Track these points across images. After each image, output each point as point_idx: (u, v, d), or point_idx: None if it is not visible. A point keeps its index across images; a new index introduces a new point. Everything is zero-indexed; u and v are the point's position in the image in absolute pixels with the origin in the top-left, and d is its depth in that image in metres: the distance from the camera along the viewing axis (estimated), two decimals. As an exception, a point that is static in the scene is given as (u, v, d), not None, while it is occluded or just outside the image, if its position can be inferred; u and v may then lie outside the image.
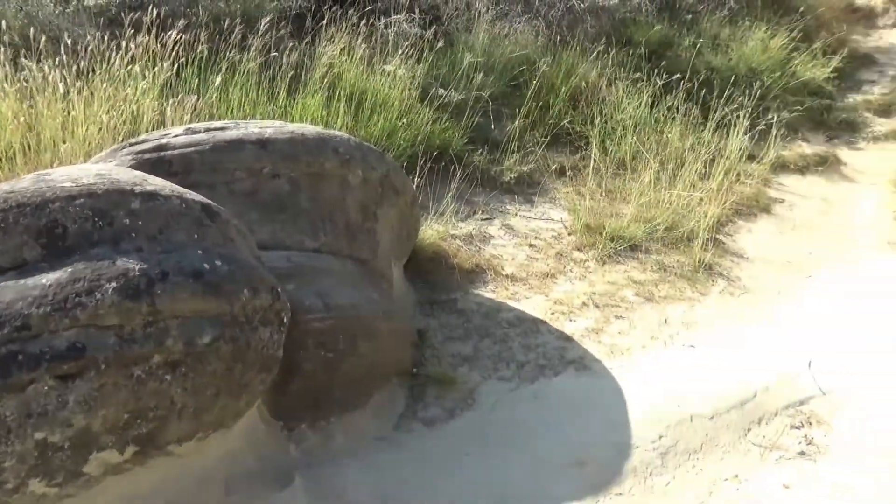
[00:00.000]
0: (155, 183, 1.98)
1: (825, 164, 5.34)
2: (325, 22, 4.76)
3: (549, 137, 4.95)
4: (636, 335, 3.41)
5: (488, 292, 3.63)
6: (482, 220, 4.25)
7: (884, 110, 6.10)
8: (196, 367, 1.84)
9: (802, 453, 2.80)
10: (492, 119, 4.92)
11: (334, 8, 4.96)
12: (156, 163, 2.34)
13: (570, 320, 3.44)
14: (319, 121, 4.15)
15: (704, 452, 2.77)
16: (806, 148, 5.54)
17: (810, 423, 2.95)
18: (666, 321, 3.53)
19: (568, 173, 4.82)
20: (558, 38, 5.77)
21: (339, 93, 4.27)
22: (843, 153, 5.59)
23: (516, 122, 4.88)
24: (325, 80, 4.31)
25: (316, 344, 2.36)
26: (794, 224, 4.65)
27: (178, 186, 2.07)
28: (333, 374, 2.45)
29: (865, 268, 4.09)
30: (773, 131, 5.11)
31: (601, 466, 2.65)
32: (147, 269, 1.75)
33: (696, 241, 4.04)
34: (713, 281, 3.91)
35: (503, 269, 3.82)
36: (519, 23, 5.89)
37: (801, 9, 6.61)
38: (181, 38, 3.81)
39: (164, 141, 2.43)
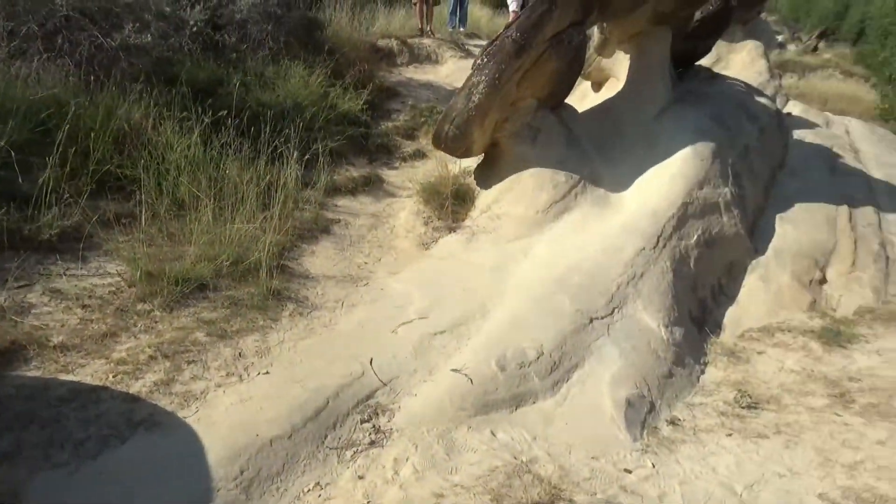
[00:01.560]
0: None
1: (370, 184, 6.09)
2: None
3: (94, 185, 4.54)
4: (211, 376, 3.35)
5: (32, 370, 3.13)
6: (17, 288, 3.64)
7: (409, 134, 7.25)
8: None
9: (372, 442, 3.13)
10: (17, 171, 4.26)
11: None
12: None
13: (137, 378, 3.19)
14: None
15: (287, 472, 2.87)
16: (353, 171, 6.23)
17: (377, 414, 3.32)
18: (241, 354, 3.55)
19: (123, 221, 4.47)
20: (93, 78, 5.32)
21: None
22: (384, 173, 6.46)
23: (48, 172, 4.33)
24: None
25: None
26: (351, 240, 5.18)
27: None
28: None
29: (405, 267, 4.80)
30: (322, 159, 5.63)
31: (181, 524, 2.53)
32: None
33: (262, 270, 4.17)
34: (283, 305, 4.09)
35: (50, 340, 3.34)
36: (40, 62, 5.25)
37: (328, 47, 7.39)
38: None
39: None
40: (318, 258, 4.81)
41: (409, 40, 9.79)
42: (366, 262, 4.91)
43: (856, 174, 8.32)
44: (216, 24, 7.12)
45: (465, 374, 3.53)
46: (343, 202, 5.73)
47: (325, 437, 3.10)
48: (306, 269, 4.61)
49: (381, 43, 9.33)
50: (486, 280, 4.52)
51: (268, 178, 5.03)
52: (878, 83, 19.51)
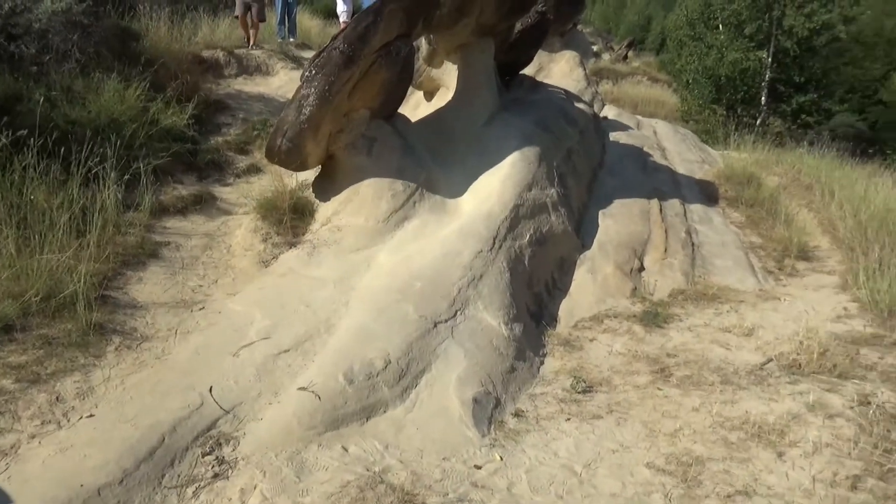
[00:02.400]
0: None
1: (202, 202, 5.78)
2: None
3: None
4: (23, 427, 3.00)
5: None
6: None
7: (241, 148, 6.97)
8: None
9: (216, 475, 2.97)
10: None
11: None
12: None
13: (-73, 440, 2.79)
14: None
15: (118, 521, 2.65)
16: (182, 190, 5.88)
17: (220, 444, 3.15)
18: (58, 399, 3.22)
19: None
20: None
21: None
22: (217, 190, 6.16)
23: None
24: None
25: None
26: (183, 263, 4.88)
27: None
28: None
29: (245, 287, 4.61)
30: (145, 178, 5.25)
31: None
32: None
33: (79, 303, 3.81)
34: (107, 340, 3.77)
35: None
36: None
37: (145, 59, 6.90)
38: None
39: None
40: (147, 285, 4.48)
41: (237, 51, 9.40)
42: (201, 285, 4.66)
43: (663, 170, 9.26)
44: (10, 34, 6.40)
45: (313, 392, 3.46)
46: (172, 223, 5.39)
47: (163, 476, 2.89)
48: (133, 298, 4.28)
49: (206, 54, 8.87)
50: (329, 294, 4.47)
51: (82, 202, 4.61)
52: (678, 88, 21.87)
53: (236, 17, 10.06)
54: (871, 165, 11.29)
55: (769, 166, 10.13)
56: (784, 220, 7.70)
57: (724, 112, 18.58)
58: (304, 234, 5.32)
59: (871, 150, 16.30)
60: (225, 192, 6.16)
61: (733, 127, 14.16)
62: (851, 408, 3.64)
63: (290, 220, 5.31)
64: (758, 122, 18.62)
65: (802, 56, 18.90)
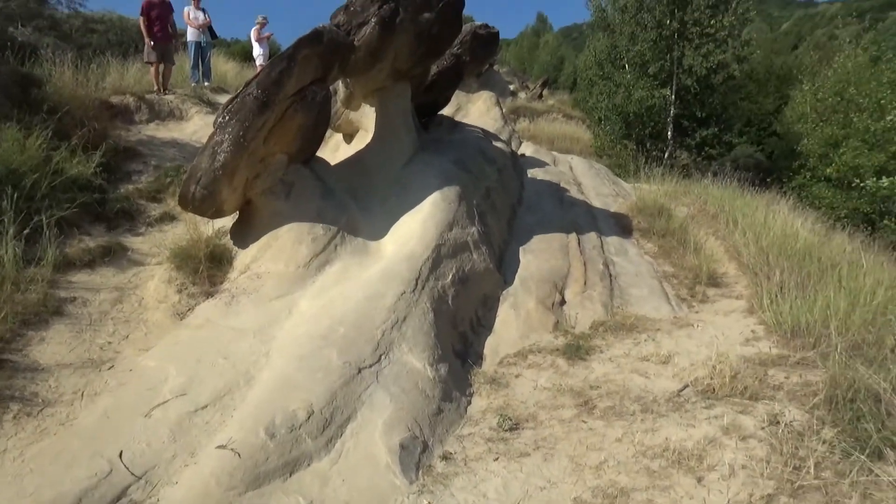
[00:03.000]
0: None
1: (111, 254, 5.52)
2: None
3: None
4: None
5: None
6: None
7: (154, 196, 6.73)
8: None
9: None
10: None
11: None
12: None
13: None
14: None
15: None
16: (89, 242, 5.60)
17: (130, 515, 2.97)
18: (-54, 477, 2.96)
19: None
20: None
21: None
22: (128, 240, 5.91)
23: None
24: None
25: None
26: (91, 319, 4.63)
27: None
28: None
29: (158, 342, 4.42)
30: (48, 231, 4.99)
31: None
32: None
33: (-29, 370, 3.55)
34: (5, 407, 3.51)
35: None
36: None
37: (48, 106, 6.61)
38: None
39: None
40: (50, 345, 4.22)
41: (148, 96, 9.15)
42: (110, 342, 4.42)
43: (580, 204, 9.58)
44: None
45: (232, 449, 3.33)
46: (79, 277, 5.11)
47: (66, 554, 2.69)
48: (34, 360, 4.01)
49: (115, 99, 8.59)
50: (249, 344, 4.33)
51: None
52: (591, 125, 22.82)
53: (148, 62, 9.75)
54: (769, 193, 12.04)
55: (678, 197, 10.66)
56: (693, 248, 8.08)
57: (635, 147, 19.50)
58: (221, 283, 5.17)
59: (768, 179, 17.41)
60: (137, 243, 5.91)
61: (643, 161, 14.84)
62: (763, 428, 3.80)
63: (207, 268, 5.16)
64: (665, 155, 19.62)
65: (702, 93, 20.14)
